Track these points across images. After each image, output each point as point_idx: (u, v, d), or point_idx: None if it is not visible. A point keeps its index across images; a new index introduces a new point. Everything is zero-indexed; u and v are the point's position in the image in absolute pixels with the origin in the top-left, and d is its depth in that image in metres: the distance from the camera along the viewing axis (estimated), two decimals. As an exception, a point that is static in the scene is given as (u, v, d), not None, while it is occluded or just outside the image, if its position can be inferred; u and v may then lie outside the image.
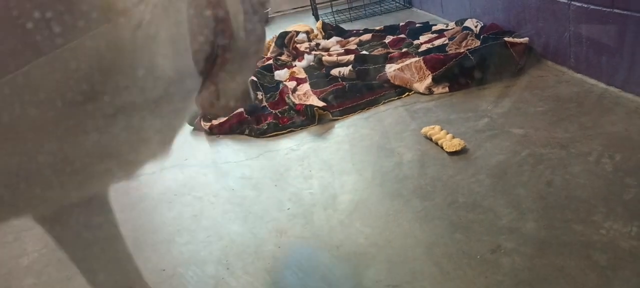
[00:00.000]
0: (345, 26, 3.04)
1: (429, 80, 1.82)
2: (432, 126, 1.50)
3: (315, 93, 1.98)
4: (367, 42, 2.58)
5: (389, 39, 2.53)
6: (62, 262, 1.25)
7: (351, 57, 2.24)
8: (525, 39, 1.87)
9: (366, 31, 2.78)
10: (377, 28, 2.79)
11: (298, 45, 2.68)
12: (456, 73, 1.80)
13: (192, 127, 1.92)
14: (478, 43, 1.99)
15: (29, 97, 0.55)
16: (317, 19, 3.43)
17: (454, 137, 1.41)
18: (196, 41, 0.76)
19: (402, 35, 2.54)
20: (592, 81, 1.60)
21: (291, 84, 2.11)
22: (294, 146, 1.64)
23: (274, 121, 1.81)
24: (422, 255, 1.01)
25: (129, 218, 1.40)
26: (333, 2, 3.64)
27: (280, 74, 2.29)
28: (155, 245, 1.25)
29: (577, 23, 1.61)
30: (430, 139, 1.46)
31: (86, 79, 0.58)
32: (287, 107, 1.91)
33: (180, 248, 1.23)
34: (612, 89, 1.52)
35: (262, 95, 2.11)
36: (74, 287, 1.15)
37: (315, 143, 1.63)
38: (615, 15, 1.43)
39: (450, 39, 2.19)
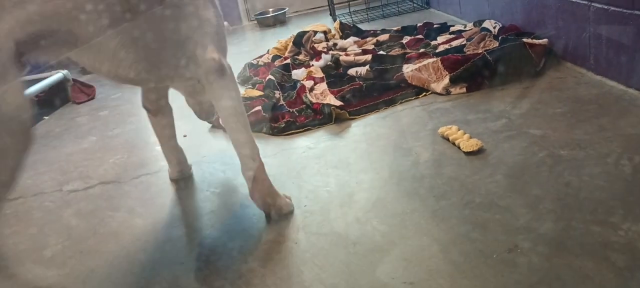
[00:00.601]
0: (363, 26, 3.05)
1: (446, 80, 1.82)
2: (449, 126, 1.50)
3: (332, 92, 1.99)
4: (385, 42, 2.58)
5: (406, 39, 2.53)
6: (85, 254, 1.28)
7: (368, 57, 2.24)
8: (544, 40, 1.86)
9: (384, 31, 2.78)
10: (395, 28, 2.80)
11: (315, 45, 2.70)
12: (474, 73, 1.80)
13: (210, 125, 1.94)
14: (496, 44, 1.98)
15: None
16: (334, 19, 3.45)
17: (471, 137, 1.41)
18: None
19: (420, 36, 2.53)
20: (612, 83, 1.59)
21: (308, 83, 2.13)
22: (311, 144, 1.65)
23: (291, 119, 1.82)
24: (438, 253, 1.02)
25: (149, 212, 1.42)
26: (351, 3, 3.65)
27: (298, 73, 2.31)
28: (173, 238, 1.27)
29: (597, 24, 1.60)
30: (448, 139, 1.46)
31: None
32: (304, 105, 1.92)
33: (199, 242, 1.25)
34: (631, 91, 1.51)
35: (279, 94, 2.12)
36: (96, 278, 1.18)
37: (332, 141, 1.64)
38: (636, 16, 1.42)
39: (468, 39, 2.19)
